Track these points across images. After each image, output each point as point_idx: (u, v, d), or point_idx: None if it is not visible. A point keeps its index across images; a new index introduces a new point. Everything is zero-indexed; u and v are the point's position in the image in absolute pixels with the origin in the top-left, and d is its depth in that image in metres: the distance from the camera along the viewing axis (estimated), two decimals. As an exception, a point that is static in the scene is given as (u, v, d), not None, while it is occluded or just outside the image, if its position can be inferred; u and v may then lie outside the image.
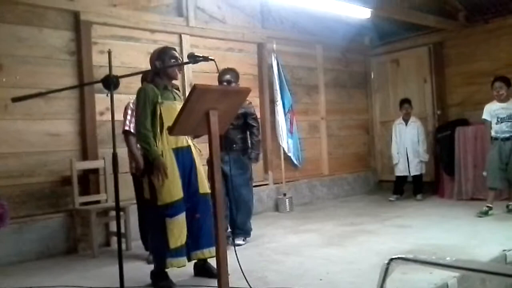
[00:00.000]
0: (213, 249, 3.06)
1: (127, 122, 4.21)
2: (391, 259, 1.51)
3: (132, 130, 4.11)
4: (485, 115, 5.51)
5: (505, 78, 5.44)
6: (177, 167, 3.21)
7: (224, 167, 4.26)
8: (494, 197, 5.37)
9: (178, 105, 3.13)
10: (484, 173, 5.66)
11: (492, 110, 5.43)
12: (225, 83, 4.27)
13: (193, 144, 3.42)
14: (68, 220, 4.68)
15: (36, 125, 4.64)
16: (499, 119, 5.35)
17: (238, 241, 4.49)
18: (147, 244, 4.14)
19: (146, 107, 3.18)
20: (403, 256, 1.50)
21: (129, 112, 4.24)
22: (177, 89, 3.52)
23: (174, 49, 3.57)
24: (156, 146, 3.16)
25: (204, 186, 3.36)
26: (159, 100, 3.21)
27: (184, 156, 3.29)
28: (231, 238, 4.34)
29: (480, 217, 5.16)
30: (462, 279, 3.17)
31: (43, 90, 4.42)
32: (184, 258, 3.29)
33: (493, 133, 5.40)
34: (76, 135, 4.91)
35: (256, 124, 4.63)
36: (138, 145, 3.77)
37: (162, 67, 3.35)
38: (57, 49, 4.80)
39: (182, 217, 3.20)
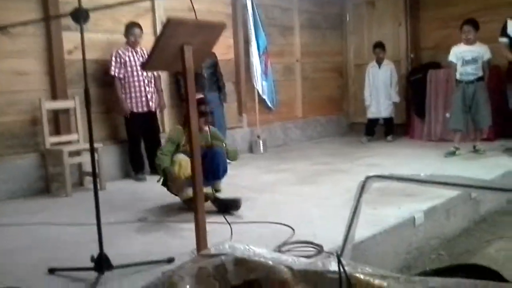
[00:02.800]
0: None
1: (113, 68, 4.91)
2: (368, 177, 1.56)
3: (117, 75, 4.92)
4: (451, 57, 5.53)
5: (474, 21, 5.42)
6: None
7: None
8: (461, 138, 5.54)
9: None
10: (447, 115, 5.80)
11: (458, 52, 5.45)
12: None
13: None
14: (40, 160, 4.63)
15: (1, 63, 4.46)
16: (464, 61, 5.38)
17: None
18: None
19: (169, 143, 3.76)
20: (379, 174, 1.55)
21: (112, 59, 4.90)
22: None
23: None
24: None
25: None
26: (181, 144, 3.72)
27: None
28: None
29: (447, 157, 5.33)
30: (428, 213, 3.32)
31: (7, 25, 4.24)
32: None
33: (458, 76, 5.44)
34: (44, 74, 4.75)
35: (221, 72, 5.85)
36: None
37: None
38: (20, -18, 4.55)
39: None
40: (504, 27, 5.13)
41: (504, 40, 5.13)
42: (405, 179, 1.50)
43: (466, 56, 5.35)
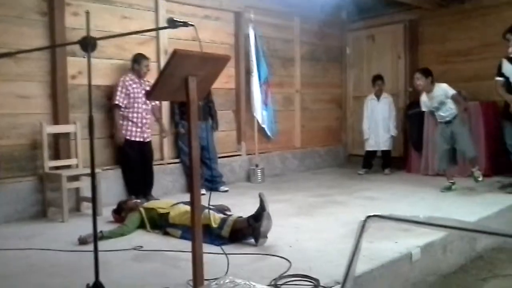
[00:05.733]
0: None
1: (117, 97, 5.00)
2: (368, 216, 1.58)
3: (120, 104, 5.02)
4: (423, 108, 5.67)
5: (424, 69, 5.53)
6: None
7: (202, 133, 5.45)
8: (457, 172, 5.57)
9: None
10: (436, 155, 5.86)
11: (424, 102, 5.58)
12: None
13: None
14: (38, 184, 4.63)
15: (5, 86, 4.51)
16: (433, 108, 5.47)
17: (225, 188, 5.81)
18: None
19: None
20: (379, 214, 1.57)
21: (119, 89, 5.01)
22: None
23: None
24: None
25: None
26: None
27: None
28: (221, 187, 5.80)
29: (444, 192, 5.35)
30: (425, 249, 3.32)
31: (14, 50, 4.31)
32: None
33: (437, 119, 5.55)
34: (46, 98, 4.80)
35: (214, 101, 6.02)
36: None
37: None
38: (29, 9, 4.65)
39: None
40: (500, 67, 5.23)
41: (499, 79, 5.22)
42: (404, 220, 1.52)
43: (432, 104, 5.45)
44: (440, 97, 5.35)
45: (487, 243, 4.04)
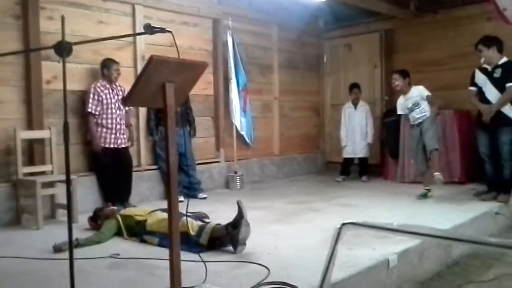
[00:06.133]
0: None
1: (90, 105, 4.94)
2: (343, 224, 1.59)
3: (93, 112, 4.95)
4: (398, 111, 5.79)
5: (401, 70, 5.68)
6: None
7: (180, 139, 5.42)
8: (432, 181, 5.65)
9: None
10: (412, 161, 5.96)
11: (400, 104, 5.70)
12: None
13: None
14: (11, 190, 4.52)
15: (-22, 90, 4.41)
16: (408, 110, 5.58)
17: (203, 195, 5.79)
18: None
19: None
20: (354, 221, 1.58)
21: (91, 96, 4.93)
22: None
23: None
24: None
25: None
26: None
27: None
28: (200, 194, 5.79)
29: (420, 199, 5.42)
30: (402, 255, 3.36)
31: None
32: None
33: (411, 122, 5.65)
34: (20, 103, 4.71)
35: (191, 108, 5.99)
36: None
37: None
38: (2, 12, 4.56)
39: None
40: (473, 77, 5.35)
41: (472, 89, 5.33)
42: (379, 228, 1.53)
43: (408, 105, 5.56)
44: (415, 98, 5.48)
45: (463, 249, 4.10)
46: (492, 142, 5.19)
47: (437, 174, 5.35)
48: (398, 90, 5.65)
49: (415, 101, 5.48)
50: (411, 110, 5.53)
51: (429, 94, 5.47)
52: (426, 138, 5.43)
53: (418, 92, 5.49)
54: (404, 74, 5.57)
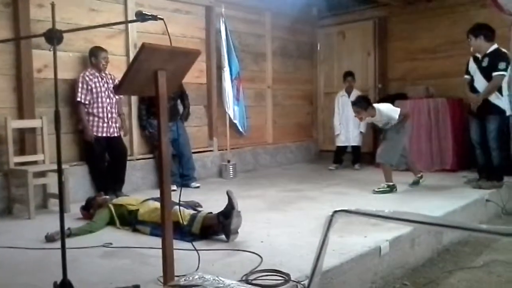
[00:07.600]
0: None
1: (79, 94, 4.89)
2: (335, 211, 1.60)
3: (82, 101, 4.91)
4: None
5: (357, 102, 5.39)
6: None
7: (173, 131, 5.38)
8: (419, 167, 5.67)
9: None
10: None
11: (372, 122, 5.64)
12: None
13: None
14: (3, 180, 4.50)
15: (-33, 79, 4.36)
16: (382, 126, 5.42)
17: (196, 184, 5.78)
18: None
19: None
20: (346, 208, 1.59)
21: (80, 85, 4.88)
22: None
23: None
24: None
25: None
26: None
27: None
28: (192, 183, 5.78)
29: (413, 187, 5.45)
30: (394, 243, 3.38)
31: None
32: None
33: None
34: (11, 92, 4.66)
35: (186, 93, 5.97)
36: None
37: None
38: (-10, -1, 4.50)
39: None
40: (468, 65, 5.34)
41: (466, 77, 5.33)
42: (370, 215, 1.54)
43: (379, 125, 5.46)
44: (385, 120, 5.31)
45: (453, 236, 4.14)
46: (483, 129, 5.22)
47: (382, 184, 5.21)
48: (363, 120, 5.58)
49: (385, 122, 5.32)
50: (385, 126, 5.37)
51: (399, 114, 5.23)
52: (382, 147, 5.37)
53: (386, 117, 5.25)
54: (363, 103, 5.29)
